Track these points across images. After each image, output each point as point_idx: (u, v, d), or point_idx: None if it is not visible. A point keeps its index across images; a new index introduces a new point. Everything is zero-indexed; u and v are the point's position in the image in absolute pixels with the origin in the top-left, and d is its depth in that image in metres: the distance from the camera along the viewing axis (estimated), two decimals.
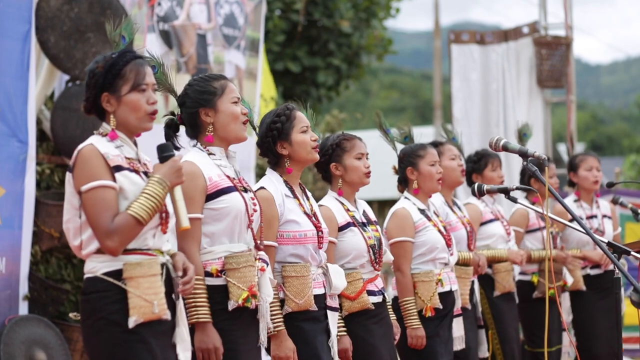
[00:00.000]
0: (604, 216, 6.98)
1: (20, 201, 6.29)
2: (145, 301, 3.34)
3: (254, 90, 8.65)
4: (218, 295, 3.82)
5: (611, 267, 6.93)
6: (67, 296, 6.88)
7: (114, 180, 3.36)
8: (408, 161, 5.42)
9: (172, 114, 4.04)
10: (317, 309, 4.29)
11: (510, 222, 6.64)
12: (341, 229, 4.72)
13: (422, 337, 5.17)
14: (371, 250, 4.76)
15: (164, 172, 3.42)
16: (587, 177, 6.91)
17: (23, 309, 6.34)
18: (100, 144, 3.40)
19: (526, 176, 6.76)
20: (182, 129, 4.08)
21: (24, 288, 6.34)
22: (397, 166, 5.51)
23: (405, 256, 5.23)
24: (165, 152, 3.48)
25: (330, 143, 4.82)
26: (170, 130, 4.02)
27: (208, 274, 3.83)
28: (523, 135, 6.82)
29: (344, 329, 4.58)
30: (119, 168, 3.38)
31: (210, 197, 3.87)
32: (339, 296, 4.62)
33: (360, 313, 4.67)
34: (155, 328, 3.38)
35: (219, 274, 3.83)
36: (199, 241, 3.84)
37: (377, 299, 4.77)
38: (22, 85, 6.37)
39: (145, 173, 3.48)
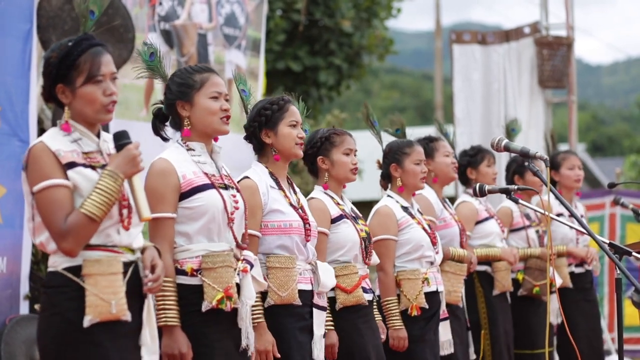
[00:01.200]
0: (582, 216, 6.96)
1: (21, 200, 6.22)
2: (102, 300, 3.18)
3: (256, 90, 8.65)
4: (193, 296, 3.67)
5: (589, 267, 6.93)
6: None
7: (67, 178, 3.20)
8: (393, 157, 5.31)
9: (162, 102, 3.94)
10: (300, 304, 4.19)
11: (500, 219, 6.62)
12: (334, 220, 4.67)
13: (404, 339, 5.05)
14: (363, 243, 4.73)
15: (116, 163, 3.22)
16: (570, 175, 6.89)
17: (24, 308, 6.33)
18: (52, 141, 3.25)
19: (510, 172, 6.78)
20: None
21: (24, 287, 6.33)
22: (381, 161, 5.41)
23: (388, 254, 5.14)
24: (120, 141, 3.28)
25: (320, 136, 4.77)
26: (157, 120, 3.92)
27: (183, 273, 3.69)
28: (511, 130, 6.81)
29: (332, 324, 4.52)
30: (71, 165, 3.22)
31: (184, 195, 3.73)
32: (333, 289, 4.56)
33: (352, 310, 4.62)
34: (113, 329, 3.22)
35: (194, 273, 3.68)
36: (170, 241, 3.69)
37: (368, 296, 4.73)
38: (24, 85, 6.37)
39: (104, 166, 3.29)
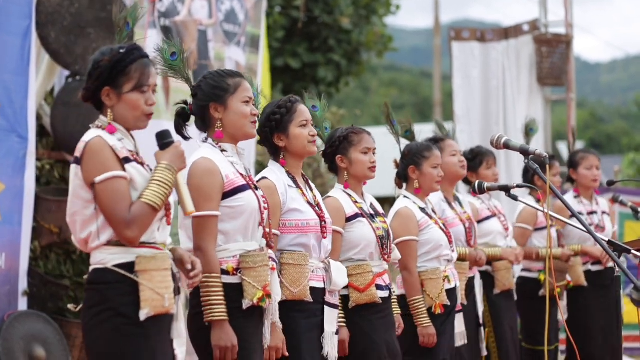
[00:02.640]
0: (603, 213, 6.99)
1: (20, 197, 6.29)
2: (158, 295, 3.34)
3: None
4: (233, 294, 3.82)
5: (611, 264, 6.93)
6: (67, 292, 6.87)
7: (124, 171, 3.36)
8: (412, 160, 5.40)
9: (185, 102, 4.04)
10: (312, 300, 4.26)
11: (519, 220, 6.65)
12: (349, 219, 4.72)
13: (434, 335, 5.18)
14: (380, 241, 4.77)
15: (169, 157, 3.42)
16: (587, 175, 6.92)
17: (22, 304, 6.34)
18: (106, 137, 3.39)
19: (530, 173, 6.75)
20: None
21: (23, 284, 6.34)
22: (398, 160, 5.48)
23: (412, 255, 5.23)
24: (165, 139, 3.48)
25: (339, 135, 4.83)
26: (180, 119, 4.02)
27: (224, 272, 3.82)
28: (530, 130, 6.83)
29: (344, 320, 4.58)
30: (127, 160, 3.39)
31: (227, 194, 3.87)
32: (346, 287, 4.62)
33: (367, 307, 4.68)
34: (159, 323, 3.38)
35: (235, 272, 3.83)
36: (216, 238, 3.84)
37: (384, 293, 4.77)
38: (23, 81, 6.37)
39: (143, 165, 3.47)
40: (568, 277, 6.52)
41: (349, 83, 16.35)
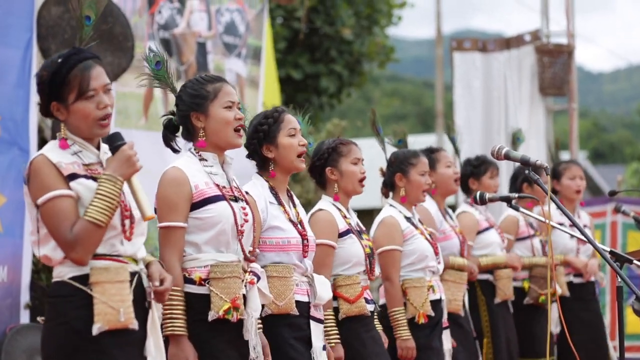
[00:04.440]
0: (585, 226, 6.92)
1: (21, 209, 6.29)
2: (111, 308, 3.18)
3: (256, 99, 8.65)
4: (199, 305, 3.68)
5: (593, 278, 6.90)
6: None
7: (69, 188, 3.20)
8: (399, 167, 5.30)
9: (172, 113, 3.93)
10: (298, 314, 4.16)
11: (500, 229, 6.60)
12: (341, 235, 4.65)
13: (413, 349, 5.06)
14: (368, 259, 4.72)
15: (113, 166, 3.23)
16: (570, 185, 6.84)
17: (24, 317, 6.33)
18: (53, 153, 3.25)
19: (518, 181, 6.74)
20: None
21: (25, 296, 6.33)
22: (384, 169, 5.40)
23: (394, 265, 5.14)
24: (114, 143, 3.29)
25: (327, 147, 4.75)
26: (168, 131, 3.91)
27: (191, 281, 3.69)
28: (517, 139, 6.81)
29: (338, 337, 4.51)
30: (73, 176, 3.22)
31: (196, 205, 3.72)
32: (336, 299, 4.57)
33: (355, 320, 4.62)
34: (120, 338, 3.22)
35: (203, 283, 3.69)
36: (180, 251, 3.70)
37: (370, 307, 4.72)
38: (24, 93, 6.38)
39: None
40: (558, 288, 6.44)
41: (351, 94, 16.35)
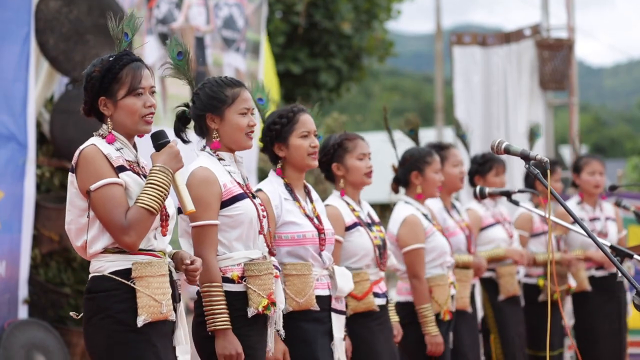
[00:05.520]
0: (607, 218, 6.94)
1: (19, 204, 6.28)
2: (155, 301, 3.33)
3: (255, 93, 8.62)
4: (237, 302, 3.80)
5: (615, 269, 6.89)
6: (67, 300, 6.85)
7: (119, 178, 3.35)
8: (415, 165, 5.33)
9: (187, 105, 3.99)
10: (318, 309, 4.23)
11: (515, 225, 6.60)
12: (348, 228, 4.69)
13: (442, 344, 5.15)
14: (377, 251, 4.74)
15: (163, 159, 3.40)
16: (589, 181, 6.86)
17: (23, 312, 6.33)
18: (101, 145, 3.39)
19: (531, 178, 6.72)
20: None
21: (23, 292, 6.32)
22: (396, 165, 5.42)
23: (421, 263, 5.19)
24: (160, 140, 3.46)
25: (332, 143, 4.79)
26: (180, 122, 3.98)
27: (228, 280, 3.81)
28: (534, 134, 6.81)
29: (345, 329, 4.54)
30: (122, 168, 3.37)
31: (225, 204, 3.84)
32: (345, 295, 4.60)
33: (364, 314, 4.66)
34: (160, 329, 3.38)
35: (240, 281, 3.82)
36: (216, 248, 3.82)
37: (381, 301, 4.75)
38: (22, 88, 6.36)
39: (145, 176, 3.45)
40: (571, 282, 6.48)
41: (350, 88, 16.34)
